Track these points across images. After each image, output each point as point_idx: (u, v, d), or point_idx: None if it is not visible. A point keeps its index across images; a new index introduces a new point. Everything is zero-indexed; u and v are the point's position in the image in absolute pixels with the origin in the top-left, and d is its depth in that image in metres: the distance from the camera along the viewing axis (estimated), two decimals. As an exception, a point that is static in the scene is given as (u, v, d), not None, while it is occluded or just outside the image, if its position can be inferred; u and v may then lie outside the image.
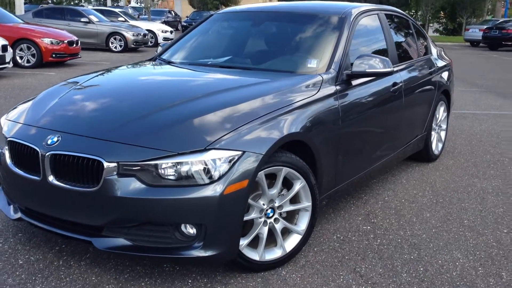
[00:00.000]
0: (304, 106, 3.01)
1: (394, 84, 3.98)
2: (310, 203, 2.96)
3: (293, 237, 2.96)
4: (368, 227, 3.52)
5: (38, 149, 2.62)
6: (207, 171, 2.45)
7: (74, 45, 13.16)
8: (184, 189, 2.43)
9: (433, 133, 5.09)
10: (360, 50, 3.78)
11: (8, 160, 2.81)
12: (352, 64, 3.44)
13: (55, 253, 2.99)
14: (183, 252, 2.51)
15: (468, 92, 10.44)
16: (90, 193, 2.48)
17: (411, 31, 4.93)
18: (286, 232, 2.95)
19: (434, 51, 5.33)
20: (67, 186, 2.54)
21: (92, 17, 18.19)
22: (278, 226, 2.87)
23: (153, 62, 4.07)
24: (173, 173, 2.44)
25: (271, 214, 2.83)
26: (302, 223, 2.97)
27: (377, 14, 4.23)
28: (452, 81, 5.56)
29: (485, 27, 27.33)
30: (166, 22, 29.16)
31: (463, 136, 6.42)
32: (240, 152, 2.52)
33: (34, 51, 12.24)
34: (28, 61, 12.30)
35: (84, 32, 17.43)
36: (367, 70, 3.39)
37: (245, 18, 4.38)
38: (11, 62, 10.76)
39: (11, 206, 2.97)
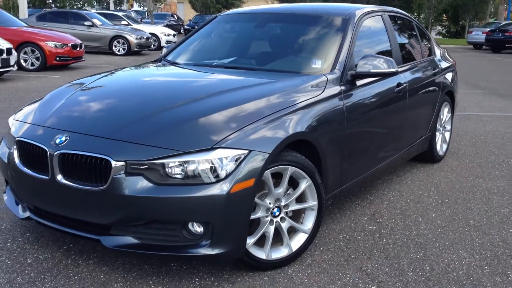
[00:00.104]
0: (309, 106, 3.02)
1: (399, 84, 3.99)
2: (316, 202, 2.97)
3: (299, 236, 2.97)
4: (374, 227, 3.53)
5: (46, 149, 2.65)
6: (214, 169, 2.47)
7: (78, 48, 13.22)
8: (191, 188, 2.45)
9: (437, 134, 5.10)
10: (364, 51, 3.79)
11: (16, 159, 2.83)
12: (356, 65, 3.46)
13: (63, 252, 3.01)
14: (190, 250, 2.53)
15: (471, 94, 10.44)
16: (98, 191, 2.50)
17: (414, 32, 4.95)
18: (292, 231, 2.97)
19: (437, 52, 5.34)
20: (76, 185, 2.56)
21: (96, 21, 18.26)
22: (284, 225, 2.89)
23: (159, 63, 4.09)
24: (180, 171, 2.46)
25: (277, 213, 2.85)
26: (308, 222, 2.99)
27: (381, 15, 4.25)
28: (456, 82, 5.57)
29: (488, 29, 27.36)
30: (169, 26, 29.22)
31: (468, 137, 6.42)
32: (246, 151, 2.54)
33: (38, 54, 12.31)
34: (32, 64, 12.36)
35: (88, 36, 17.50)
36: (371, 71, 3.41)
37: (249, 19, 4.41)
38: (15, 65, 10.81)
39: (20, 205, 2.99)
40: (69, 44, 12.81)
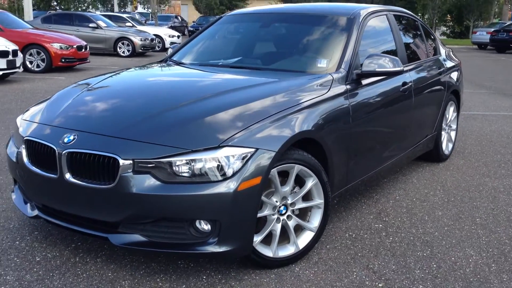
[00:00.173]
0: (315, 105, 3.03)
1: (404, 83, 4.00)
2: (322, 200, 2.98)
3: (305, 234, 2.98)
4: (380, 225, 3.54)
5: (55, 148, 2.67)
6: (220, 168, 2.48)
7: (83, 50, 13.27)
8: (198, 186, 2.46)
9: (443, 133, 5.10)
10: (369, 50, 3.80)
11: (25, 158, 2.85)
12: (361, 64, 3.47)
13: (71, 250, 3.03)
14: (198, 248, 2.54)
15: (477, 94, 10.43)
16: (106, 190, 2.52)
17: (419, 32, 4.95)
18: (299, 229, 2.98)
19: (443, 51, 5.34)
20: (84, 183, 2.58)
21: (100, 23, 18.33)
22: (291, 223, 2.90)
23: (165, 63, 4.12)
24: (187, 170, 2.48)
25: (284, 211, 2.86)
26: (315, 220, 3.00)
27: (386, 15, 4.25)
28: (462, 81, 5.57)
29: (493, 29, 27.31)
30: (173, 27, 29.29)
31: (473, 137, 6.41)
32: (253, 149, 2.55)
33: (44, 56, 12.36)
34: (37, 66, 12.42)
35: (92, 37, 17.57)
36: (377, 70, 3.42)
37: (254, 19, 4.43)
38: (21, 67, 10.88)
39: (28, 204, 3.02)
40: (74, 46, 12.86)
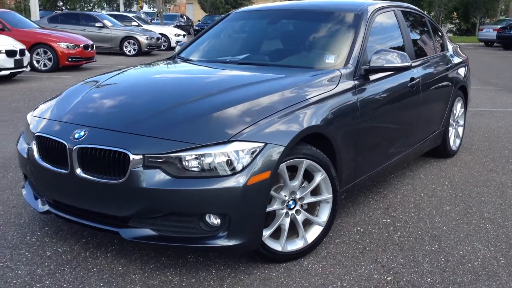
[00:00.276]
0: (323, 100, 3.05)
1: (412, 79, 4.00)
2: (331, 195, 2.99)
3: (314, 228, 3.00)
4: (388, 220, 3.54)
5: (65, 143, 2.69)
6: (230, 162, 2.50)
7: (90, 49, 13.34)
8: (208, 180, 2.48)
9: (450, 129, 5.09)
10: (377, 46, 3.80)
11: (36, 154, 2.88)
12: (369, 60, 3.48)
13: (81, 245, 3.06)
14: (207, 242, 2.56)
15: (483, 91, 10.39)
16: (117, 184, 2.54)
17: (427, 28, 4.95)
18: (307, 223, 2.99)
19: (450, 47, 5.33)
20: (94, 178, 2.61)
21: (106, 22, 18.41)
22: (300, 218, 2.91)
23: (173, 61, 4.14)
24: (197, 164, 2.50)
25: (292, 206, 2.87)
26: (323, 215, 3.01)
27: (393, 11, 4.25)
28: (469, 77, 5.56)
29: (499, 26, 27.17)
30: (178, 26, 29.34)
31: (481, 133, 6.40)
32: (262, 144, 2.57)
33: (51, 55, 12.44)
34: (44, 65, 12.50)
35: (99, 37, 17.65)
36: (385, 65, 3.42)
37: (262, 16, 4.44)
38: (28, 66, 10.94)
39: (39, 199, 3.05)
40: (81, 45, 12.93)
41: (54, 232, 3.24)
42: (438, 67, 4.69)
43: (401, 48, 4.10)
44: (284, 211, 2.83)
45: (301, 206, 2.92)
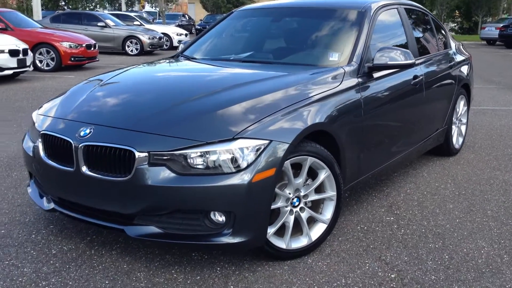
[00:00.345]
0: (327, 98, 3.06)
1: (415, 77, 4.01)
2: (335, 193, 3.00)
3: (318, 226, 3.01)
4: (392, 218, 3.55)
5: (71, 141, 2.71)
6: (235, 159, 2.51)
7: (92, 48, 13.36)
8: (213, 177, 2.49)
9: (453, 127, 5.10)
10: (381, 43, 3.80)
11: (41, 152, 2.90)
12: (373, 58, 3.48)
13: (86, 243, 3.07)
14: (212, 239, 2.57)
15: (486, 89, 10.39)
16: (123, 182, 2.55)
17: (430, 25, 4.95)
18: (311, 221, 3.00)
19: (453, 45, 5.34)
20: (100, 176, 2.62)
21: (109, 21, 18.42)
22: (304, 215, 2.92)
23: (177, 59, 4.15)
24: (202, 162, 2.51)
25: (297, 203, 2.88)
26: (327, 212, 3.02)
27: (397, 8, 4.26)
28: (472, 75, 5.56)
29: (502, 25, 27.12)
30: (180, 26, 29.33)
31: (483, 131, 6.40)
32: (267, 141, 2.58)
33: (53, 55, 12.46)
34: (47, 65, 12.52)
35: (101, 36, 17.65)
36: (388, 62, 3.43)
37: (265, 14, 4.45)
38: (31, 66, 10.96)
39: (44, 197, 3.06)
40: (84, 45, 12.95)
41: (59, 230, 3.25)
42: (441, 65, 4.70)
43: (404, 46, 4.10)
44: (289, 208, 2.84)
45: (305, 203, 2.93)
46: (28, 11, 26.42)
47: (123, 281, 2.67)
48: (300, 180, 2.84)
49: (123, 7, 41.39)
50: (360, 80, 3.37)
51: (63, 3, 35.51)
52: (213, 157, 2.50)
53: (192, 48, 4.28)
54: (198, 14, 51.94)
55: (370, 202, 3.85)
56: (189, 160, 2.51)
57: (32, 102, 8.02)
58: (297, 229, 2.93)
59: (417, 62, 4.09)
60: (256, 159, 2.53)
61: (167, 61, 4.14)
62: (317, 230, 2.99)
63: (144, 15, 30.54)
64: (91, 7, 37.12)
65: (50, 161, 2.84)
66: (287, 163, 2.71)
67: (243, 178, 2.50)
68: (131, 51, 18.30)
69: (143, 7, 50.81)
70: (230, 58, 3.96)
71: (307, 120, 2.81)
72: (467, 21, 44.40)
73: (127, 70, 3.74)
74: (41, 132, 2.92)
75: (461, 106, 5.25)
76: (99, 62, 14.20)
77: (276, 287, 2.63)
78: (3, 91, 9.22)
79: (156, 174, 2.51)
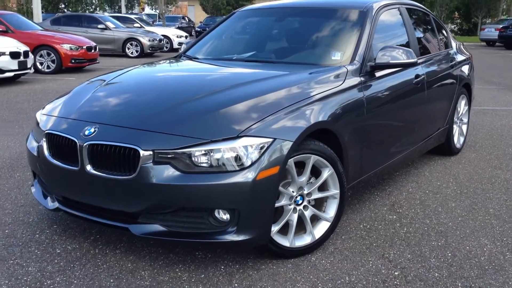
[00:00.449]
0: (330, 96, 3.07)
1: (417, 76, 4.03)
2: (338, 191, 3.01)
3: (321, 224, 3.02)
4: (394, 217, 3.56)
5: (76, 140, 2.72)
6: (239, 157, 2.52)
7: (93, 50, 13.37)
8: (217, 175, 2.51)
9: (454, 126, 5.11)
10: (382, 43, 3.81)
11: (46, 152, 2.91)
12: (375, 57, 3.50)
13: (90, 243, 3.08)
14: (217, 237, 2.58)
15: (486, 90, 10.41)
16: (127, 180, 2.56)
17: (431, 25, 4.97)
18: (315, 219, 3.01)
19: (454, 45, 5.36)
20: (105, 174, 2.63)
21: (109, 24, 18.45)
22: (307, 213, 2.93)
23: (179, 59, 4.17)
24: (206, 160, 2.52)
25: (300, 201, 2.89)
26: (331, 210, 3.03)
27: (398, 8, 4.28)
28: (473, 75, 5.58)
29: (501, 26, 27.14)
30: (180, 28, 29.38)
31: (484, 131, 6.42)
32: (271, 139, 2.59)
33: (54, 57, 12.46)
34: (48, 67, 12.53)
35: (101, 39, 17.67)
36: (390, 61, 3.45)
37: (267, 14, 4.47)
38: (32, 68, 10.98)
39: (48, 197, 3.07)
40: (84, 47, 12.96)
41: (62, 230, 3.26)
42: (442, 65, 4.71)
43: (406, 45, 4.12)
44: (292, 206, 2.85)
45: (309, 202, 2.94)
46: (28, 14, 26.45)
47: (127, 279, 2.68)
48: (303, 178, 2.85)
49: (123, 9, 41.43)
50: (362, 79, 3.39)
51: (63, 6, 35.56)
52: (217, 155, 2.51)
53: (194, 49, 4.29)
54: (198, 16, 52.01)
55: (372, 201, 3.86)
56: (193, 159, 2.52)
57: (33, 104, 8.03)
58: (301, 227, 2.94)
59: (418, 61, 4.11)
60: (260, 157, 2.55)
61: (170, 61, 4.15)
62: (321, 228, 3.01)
63: (144, 17, 30.59)
64: (91, 10, 37.17)
65: (54, 160, 2.85)
66: (291, 161, 2.72)
67: (247, 176, 2.51)
68: (131, 53, 18.33)
69: (143, 9, 50.85)
70: (232, 58, 3.98)
71: (310, 118, 2.83)
72: (466, 23, 44.47)
73: (130, 70, 3.75)
74: (46, 131, 2.94)
75: (462, 106, 5.27)
76: (99, 64, 14.22)
77: (280, 285, 2.64)
78: (4, 93, 9.23)
79: (161, 172, 2.52)
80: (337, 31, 3.84)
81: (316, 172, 2.94)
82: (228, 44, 4.35)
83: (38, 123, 3.15)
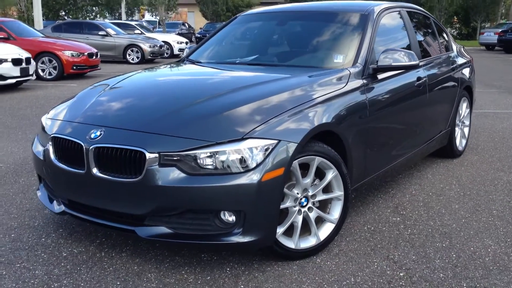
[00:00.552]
0: (333, 98, 3.09)
1: (419, 78, 4.05)
2: (342, 192, 3.03)
3: (326, 226, 3.03)
4: (398, 219, 3.58)
5: (82, 143, 2.74)
6: (244, 159, 2.54)
7: (94, 57, 13.42)
8: (223, 177, 2.52)
9: (456, 129, 5.13)
10: (383, 46, 3.84)
11: (52, 155, 2.93)
12: (377, 60, 3.52)
13: (96, 246, 3.10)
14: (223, 239, 2.60)
15: (487, 93, 10.43)
16: (133, 183, 2.58)
17: (432, 28, 5.00)
18: (319, 221, 3.02)
19: (454, 48, 5.38)
20: (111, 177, 2.65)
21: (110, 30, 18.53)
22: (312, 215, 2.94)
23: (182, 63, 4.20)
24: (212, 162, 2.54)
25: (305, 203, 2.91)
26: (335, 212, 3.05)
27: (399, 11, 4.31)
28: (474, 77, 5.60)
29: (500, 30, 27.22)
30: (180, 34, 29.47)
31: (486, 134, 6.43)
32: (275, 141, 2.61)
33: (56, 64, 12.50)
34: (50, 74, 12.57)
35: (102, 45, 17.72)
36: (392, 64, 3.47)
37: (269, 18, 4.50)
38: (34, 75, 11.01)
39: (54, 200, 3.09)
40: (86, 53, 13.01)
41: (68, 233, 3.28)
42: (443, 67, 4.74)
43: (407, 48, 4.15)
44: (297, 208, 2.87)
45: (313, 203, 2.96)
46: (29, 21, 26.56)
47: (134, 282, 2.69)
48: (308, 180, 2.86)
49: (123, 16, 41.59)
50: (365, 81, 3.41)
51: (63, 13, 35.69)
52: (222, 157, 2.53)
53: (197, 53, 4.32)
54: (198, 22, 52.15)
55: (376, 203, 3.87)
56: (198, 161, 2.54)
57: (35, 110, 8.06)
58: (306, 229, 2.96)
59: (420, 64, 4.13)
60: (265, 159, 2.57)
61: (174, 65, 4.18)
62: (325, 230, 3.02)
63: (144, 23, 30.69)
64: (91, 17, 37.29)
65: (60, 164, 2.87)
66: (295, 163, 2.74)
67: (252, 177, 2.52)
68: (132, 59, 18.40)
69: (143, 16, 51.00)
70: (235, 61, 4.01)
71: (314, 120, 2.85)
72: (465, 27, 44.55)
73: (134, 74, 3.78)
74: (51, 135, 2.96)
75: (463, 108, 5.29)
76: (100, 70, 14.25)
77: (286, 286, 2.65)
78: (6, 99, 9.27)
79: (166, 174, 2.54)
80: (339, 34, 3.87)
81: (320, 174, 2.96)
82: (230, 48, 4.38)
83: (43, 127, 3.17)
